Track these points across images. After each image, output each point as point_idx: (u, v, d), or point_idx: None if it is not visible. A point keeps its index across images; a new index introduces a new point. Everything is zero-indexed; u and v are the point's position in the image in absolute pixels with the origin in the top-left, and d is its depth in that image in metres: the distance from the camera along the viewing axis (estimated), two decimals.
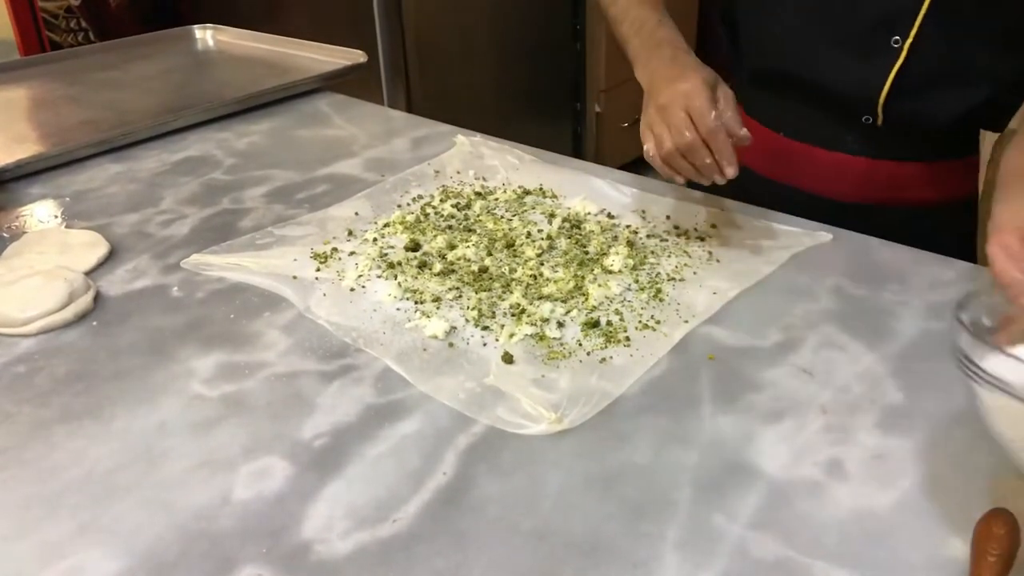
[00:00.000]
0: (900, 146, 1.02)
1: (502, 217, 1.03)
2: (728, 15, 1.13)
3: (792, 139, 1.08)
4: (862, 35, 0.96)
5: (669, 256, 0.94)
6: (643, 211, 1.04)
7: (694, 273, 0.90)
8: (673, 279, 0.89)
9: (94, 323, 0.85)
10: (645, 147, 0.89)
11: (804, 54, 1.02)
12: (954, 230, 1.02)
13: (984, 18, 0.91)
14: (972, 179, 1.12)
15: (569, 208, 1.05)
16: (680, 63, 0.91)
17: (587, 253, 0.94)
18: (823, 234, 0.97)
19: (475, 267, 0.91)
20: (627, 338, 0.80)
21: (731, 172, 0.85)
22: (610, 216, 1.03)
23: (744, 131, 0.85)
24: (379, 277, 0.90)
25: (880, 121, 1.00)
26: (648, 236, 0.98)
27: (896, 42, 0.94)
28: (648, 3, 1.01)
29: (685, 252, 0.95)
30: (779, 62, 1.05)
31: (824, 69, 1.00)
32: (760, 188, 1.07)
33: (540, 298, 0.86)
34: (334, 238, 0.99)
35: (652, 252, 0.94)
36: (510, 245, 0.96)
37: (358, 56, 1.60)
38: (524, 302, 0.85)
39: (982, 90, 0.96)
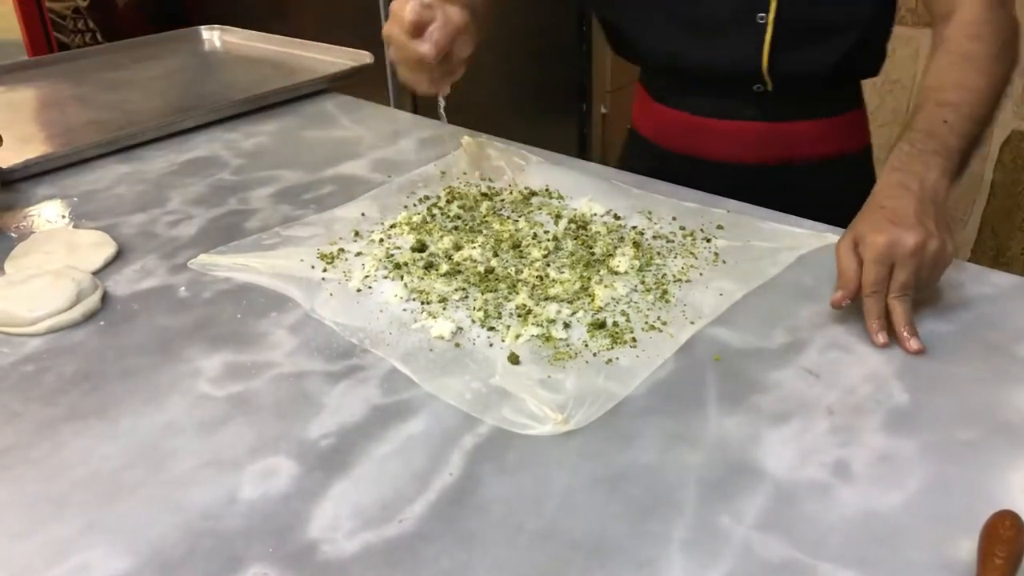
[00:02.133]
0: (791, 107, 1.13)
1: (508, 218, 1.03)
2: (605, 23, 1.22)
3: (694, 115, 1.18)
4: (729, 21, 1.06)
5: (675, 257, 0.94)
6: (649, 212, 1.04)
7: (700, 274, 0.90)
8: (679, 280, 0.89)
9: (101, 323, 0.86)
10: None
11: (681, 49, 1.12)
12: (853, 185, 1.04)
13: None
14: (863, 133, 1.24)
15: (575, 209, 1.05)
16: None
17: (593, 254, 0.94)
18: (829, 235, 0.97)
19: (481, 268, 0.91)
20: (633, 339, 0.80)
21: (424, 48, 0.90)
22: (616, 217, 1.03)
23: (425, 47, 0.90)
24: (385, 278, 0.91)
25: (770, 87, 1.10)
26: (654, 237, 0.98)
27: (761, 18, 1.04)
28: None
29: (691, 253, 0.94)
30: (661, 60, 1.17)
31: (704, 58, 1.10)
32: (672, 164, 1.17)
33: (546, 299, 0.86)
34: (340, 239, 1.00)
35: (658, 253, 0.94)
36: (516, 246, 0.96)
37: (364, 57, 1.60)
38: (530, 303, 0.85)
39: (849, 37, 1.06)
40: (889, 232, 0.78)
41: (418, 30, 0.90)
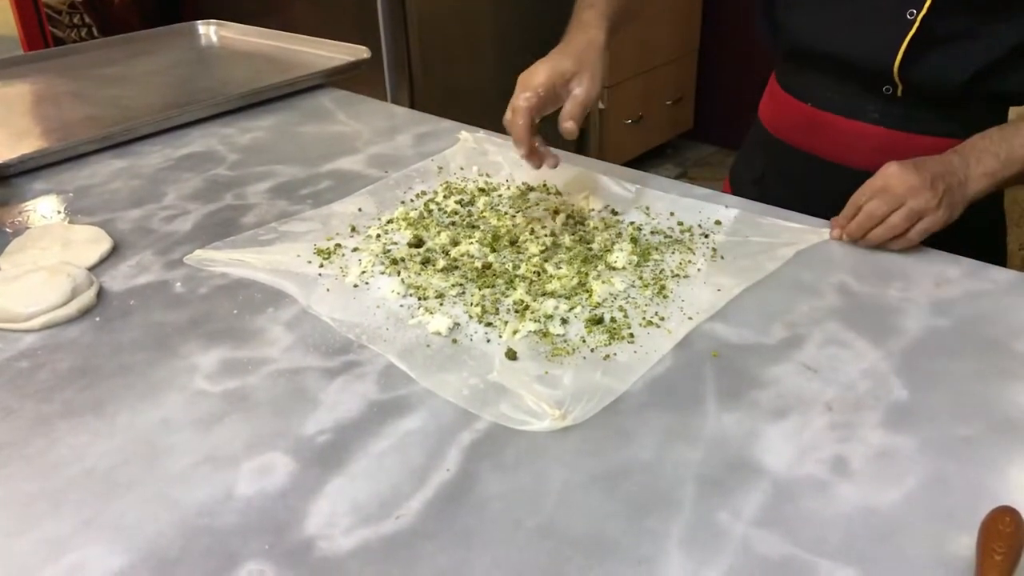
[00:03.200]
0: (918, 118, 1.06)
1: (506, 213, 1.03)
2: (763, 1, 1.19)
3: (817, 109, 1.12)
4: (880, 11, 1.02)
5: (673, 253, 0.94)
6: (647, 207, 1.04)
7: (698, 270, 0.90)
8: (677, 276, 0.89)
9: (97, 318, 0.85)
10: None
11: (826, 31, 1.08)
12: (976, 215, 1.00)
13: None
14: None
15: (573, 205, 1.05)
16: (560, 49, 0.99)
17: (591, 250, 0.94)
18: (826, 231, 0.96)
19: (478, 263, 0.91)
20: (631, 335, 0.80)
21: (520, 151, 0.96)
22: (614, 212, 1.03)
23: (569, 124, 0.95)
24: (382, 273, 0.90)
25: (900, 92, 1.04)
26: (652, 232, 0.98)
27: (911, 14, 0.99)
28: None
29: (689, 249, 0.94)
30: (806, 39, 1.11)
31: (841, 44, 1.06)
32: (787, 157, 1.15)
33: (544, 295, 0.86)
34: (337, 234, 0.99)
35: (656, 248, 0.94)
36: (514, 242, 0.96)
37: (361, 52, 1.60)
38: (528, 299, 0.85)
39: (992, 50, 1.00)
40: (917, 181, 0.89)
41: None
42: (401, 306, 0.85)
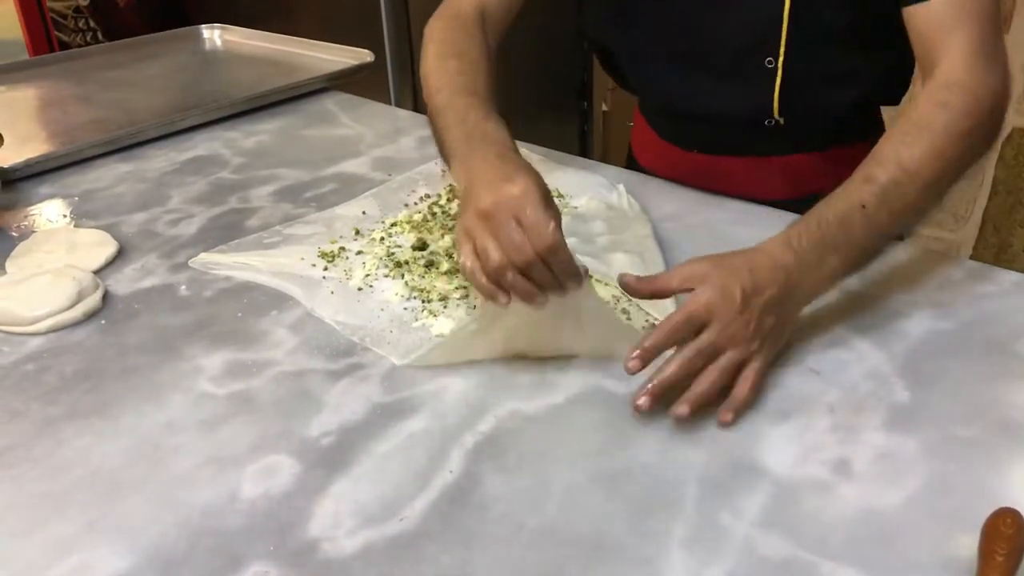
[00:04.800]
0: (807, 140, 1.05)
1: None
2: (608, 64, 1.16)
3: (707, 154, 1.10)
4: (736, 65, 0.99)
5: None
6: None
7: None
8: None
9: (102, 321, 0.86)
10: (461, 260, 0.73)
11: (689, 91, 1.05)
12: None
13: (839, 24, 0.94)
14: None
15: (576, 207, 1.05)
16: (508, 162, 0.76)
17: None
18: None
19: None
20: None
21: (575, 285, 0.72)
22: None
23: (578, 260, 0.73)
24: (386, 276, 0.91)
25: (783, 122, 1.02)
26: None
27: (770, 62, 0.97)
28: (478, 94, 0.88)
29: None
30: (669, 101, 1.10)
31: (712, 101, 1.03)
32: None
33: None
34: (341, 237, 1.00)
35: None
36: None
37: (365, 55, 1.60)
38: None
39: (864, 82, 1.00)
40: (721, 298, 0.71)
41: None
42: (405, 309, 0.85)
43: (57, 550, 0.59)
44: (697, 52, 1.01)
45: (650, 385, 0.69)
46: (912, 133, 0.80)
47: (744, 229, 0.99)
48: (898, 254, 0.93)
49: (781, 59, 0.96)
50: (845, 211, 0.77)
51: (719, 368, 0.70)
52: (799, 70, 0.97)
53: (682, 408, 0.68)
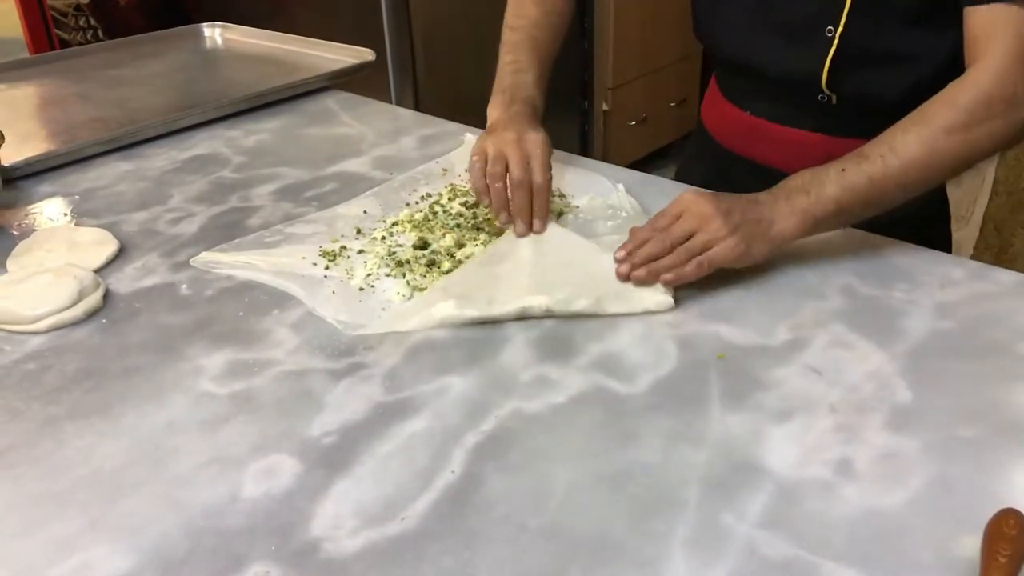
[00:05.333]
0: (857, 124, 1.02)
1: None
2: (693, 10, 1.18)
3: (757, 117, 1.13)
4: (799, 28, 1.01)
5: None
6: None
7: None
8: None
9: (103, 320, 0.86)
10: (473, 158, 0.99)
11: (750, 46, 1.08)
12: (917, 215, 1.01)
13: (905, 4, 0.95)
14: None
15: (577, 206, 1.05)
16: (524, 119, 1.03)
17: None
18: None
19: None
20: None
21: (538, 226, 0.95)
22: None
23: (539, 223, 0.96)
24: (388, 275, 0.90)
25: (835, 100, 1.03)
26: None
27: (829, 31, 0.99)
28: (536, 52, 1.13)
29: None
30: (732, 52, 1.12)
31: (769, 59, 1.06)
32: (728, 163, 1.14)
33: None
34: (343, 236, 1.00)
35: None
36: None
37: (366, 54, 1.60)
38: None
39: (918, 68, 0.99)
40: (696, 201, 0.86)
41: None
42: (406, 308, 0.85)
43: (58, 550, 0.59)
44: (768, 8, 1.03)
45: (631, 256, 0.86)
46: (913, 121, 0.87)
47: None
48: (899, 254, 0.93)
49: (840, 29, 0.97)
50: (823, 169, 0.88)
51: (686, 248, 0.85)
52: (856, 44, 0.98)
53: (639, 272, 0.85)
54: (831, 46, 0.99)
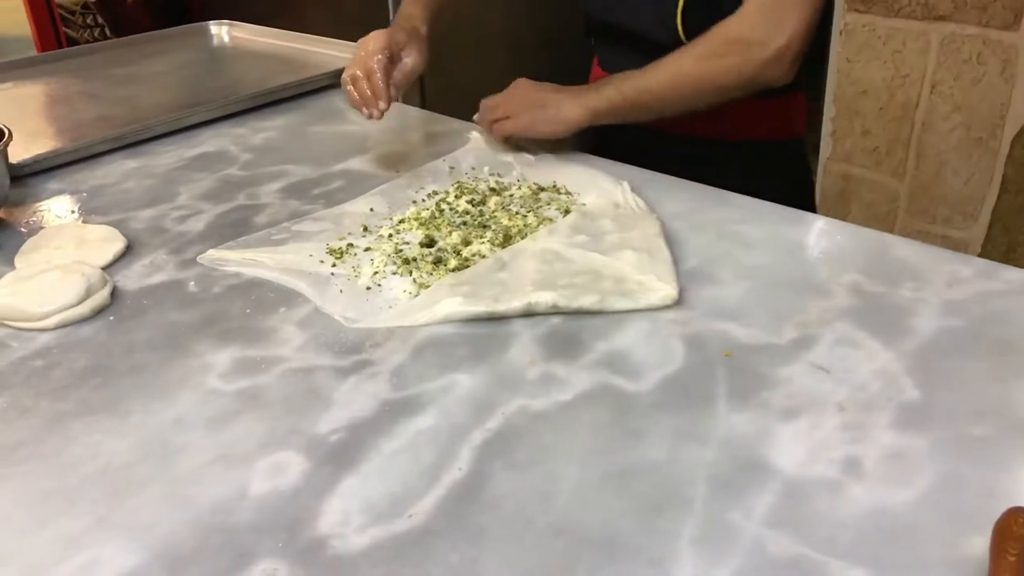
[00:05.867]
0: None
1: (517, 213, 1.03)
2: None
3: None
4: None
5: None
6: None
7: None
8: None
9: (111, 318, 0.86)
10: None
11: (604, 7, 1.23)
12: (787, 171, 1.17)
13: None
14: (798, 120, 1.29)
15: (584, 204, 1.05)
16: (391, 26, 1.20)
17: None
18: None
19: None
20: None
21: (381, 106, 1.13)
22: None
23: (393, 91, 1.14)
24: (394, 273, 0.90)
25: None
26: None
27: None
28: None
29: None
30: (596, 12, 1.26)
31: (628, 16, 1.20)
32: (609, 129, 1.18)
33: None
34: (349, 234, 1.00)
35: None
36: None
37: None
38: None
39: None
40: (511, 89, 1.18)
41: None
42: (413, 304, 0.85)
43: (66, 546, 0.59)
44: None
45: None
46: (680, 49, 1.09)
47: (752, 227, 0.99)
48: (907, 251, 0.93)
49: None
50: (619, 75, 1.12)
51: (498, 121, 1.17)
52: None
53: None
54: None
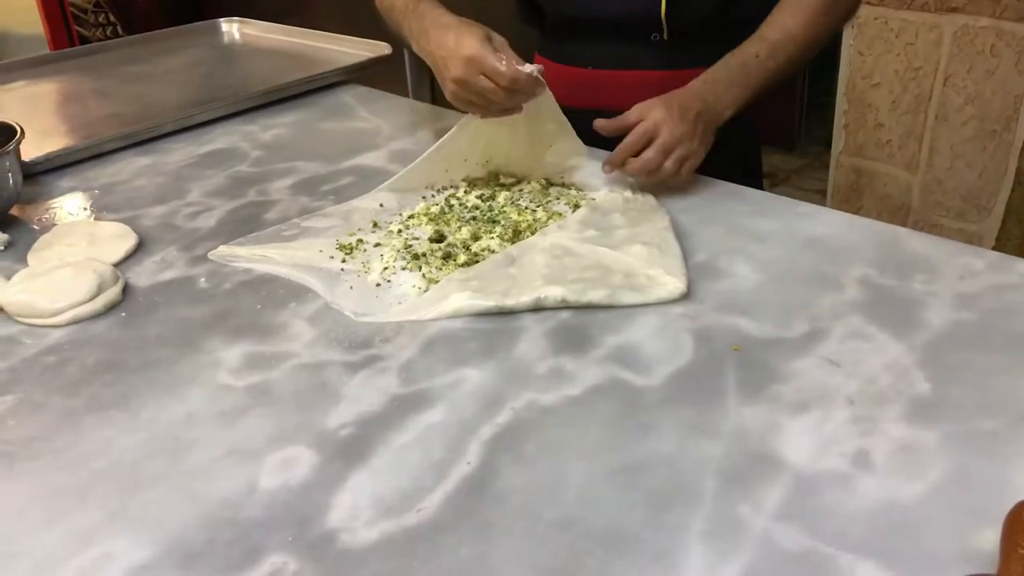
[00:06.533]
0: (690, 57, 1.16)
1: (526, 208, 1.03)
2: None
3: (597, 69, 1.22)
4: None
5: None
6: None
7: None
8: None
9: (123, 314, 0.86)
10: (469, 114, 1.05)
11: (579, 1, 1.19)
12: (731, 142, 1.12)
13: None
14: None
15: (593, 199, 1.05)
16: (451, 30, 1.00)
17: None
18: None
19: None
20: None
21: (541, 90, 1.01)
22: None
23: (527, 66, 0.97)
24: (404, 268, 0.91)
25: (666, 35, 1.16)
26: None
27: None
28: None
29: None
30: (569, 9, 1.22)
31: (605, 6, 1.17)
32: (578, 119, 1.11)
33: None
34: (359, 230, 1.00)
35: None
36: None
37: (382, 48, 1.60)
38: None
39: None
40: (667, 115, 1.00)
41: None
42: (422, 298, 0.85)
43: (78, 541, 0.59)
44: None
45: (619, 166, 1.03)
46: (792, 6, 1.08)
47: (762, 219, 0.98)
48: (919, 245, 0.92)
49: None
50: (744, 59, 1.06)
51: (672, 160, 1.01)
52: None
53: (631, 166, 1.02)
54: None
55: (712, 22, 1.16)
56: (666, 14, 1.12)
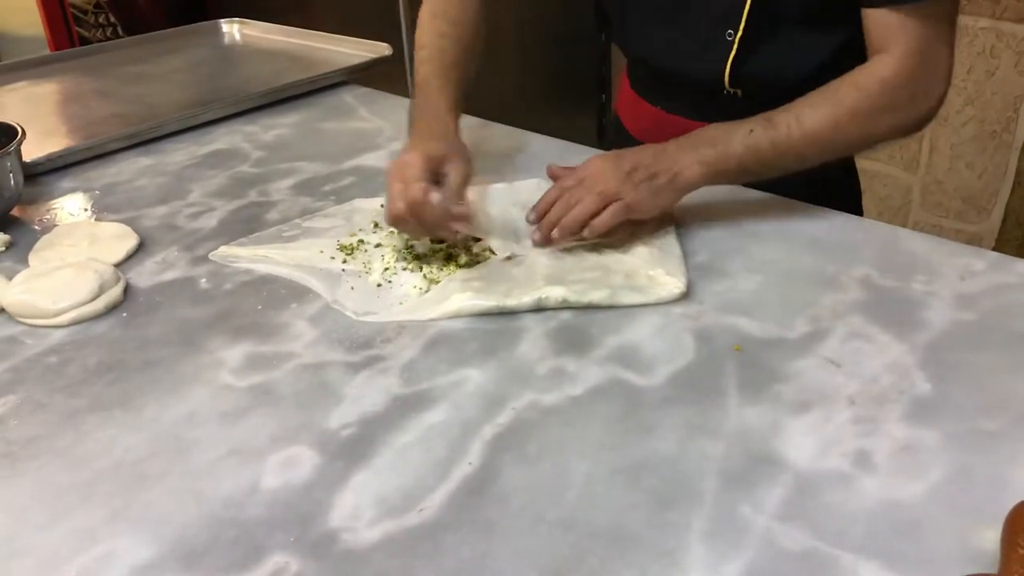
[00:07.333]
0: (762, 111, 1.01)
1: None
2: (599, 12, 1.22)
3: (668, 112, 1.16)
4: (702, 30, 1.04)
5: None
6: None
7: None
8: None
9: (124, 314, 0.86)
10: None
11: (659, 46, 1.11)
12: (838, 194, 1.07)
13: (802, 8, 0.99)
14: None
15: None
16: (420, 133, 0.99)
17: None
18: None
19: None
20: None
21: (450, 233, 0.92)
22: None
23: (458, 208, 0.90)
24: (405, 269, 0.91)
25: (740, 94, 1.06)
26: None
27: (729, 35, 1.01)
28: (444, 59, 1.11)
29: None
30: (641, 51, 1.16)
31: (676, 59, 1.09)
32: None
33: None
34: (360, 230, 1.00)
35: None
36: None
37: (383, 49, 1.60)
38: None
39: (813, 60, 1.01)
40: (601, 161, 0.93)
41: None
42: (423, 298, 0.85)
43: (81, 540, 0.60)
44: (676, 10, 1.06)
45: (539, 225, 0.91)
46: (820, 98, 0.93)
47: (764, 221, 0.99)
48: (919, 245, 0.92)
49: (739, 34, 1.00)
50: (733, 126, 0.94)
51: (584, 204, 0.89)
52: (754, 46, 1.01)
53: (536, 235, 0.91)
54: (731, 49, 1.02)
55: (790, 87, 0.99)
56: (729, 82, 1.04)
